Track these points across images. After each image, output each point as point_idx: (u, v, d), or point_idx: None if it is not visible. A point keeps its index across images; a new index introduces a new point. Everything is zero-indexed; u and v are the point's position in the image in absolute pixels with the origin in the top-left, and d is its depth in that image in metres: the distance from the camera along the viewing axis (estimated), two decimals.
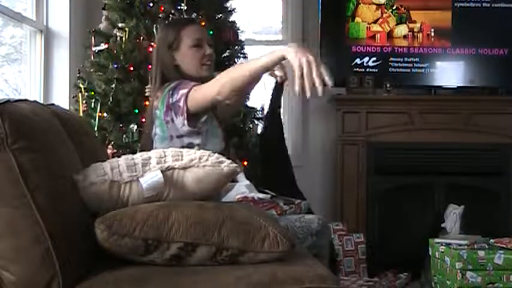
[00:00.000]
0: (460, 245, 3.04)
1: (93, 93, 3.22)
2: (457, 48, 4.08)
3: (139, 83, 3.10)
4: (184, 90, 2.03)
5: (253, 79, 1.95)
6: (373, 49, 4.06)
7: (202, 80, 2.16)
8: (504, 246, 2.99)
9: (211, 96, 1.96)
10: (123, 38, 3.19)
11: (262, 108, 3.52)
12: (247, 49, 3.53)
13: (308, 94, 1.75)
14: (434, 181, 3.99)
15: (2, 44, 3.72)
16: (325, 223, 2.26)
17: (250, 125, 3.42)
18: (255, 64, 1.87)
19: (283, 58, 1.82)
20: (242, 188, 2.91)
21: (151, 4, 3.21)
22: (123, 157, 1.65)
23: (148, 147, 2.15)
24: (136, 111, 3.08)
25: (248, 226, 1.48)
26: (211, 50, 2.21)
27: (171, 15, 3.17)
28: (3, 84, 3.72)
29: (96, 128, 3.10)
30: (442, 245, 3.10)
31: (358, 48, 4.06)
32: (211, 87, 1.97)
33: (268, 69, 1.92)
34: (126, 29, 3.19)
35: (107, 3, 3.36)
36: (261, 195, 2.86)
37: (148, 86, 2.94)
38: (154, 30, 3.12)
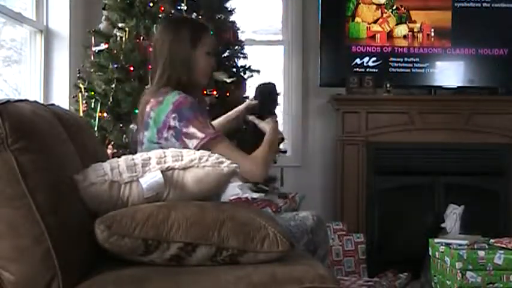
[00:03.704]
0: (460, 245, 3.04)
1: (93, 93, 3.22)
2: (457, 48, 4.08)
3: (139, 83, 3.10)
4: (199, 134, 1.98)
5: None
6: (373, 49, 4.06)
7: (198, 87, 2.20)
8: (504, 246, 2.98)
9: (256, 172, 2.04)
10: (123, 38, 3.19)
11: None
12: (247, 49, 3.54)
13: None
14: (434, 181, 3.98)
15: (3, 46, 3.72)
16: (321, 219, 2.24)
17: None
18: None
19: None
20: (235, 189, 2.90)
21: (151, 4, 3.21)
22: (123, 157, 1.65)
23: (133, 150, 2.15)
24: (136, 111, 3.07)
25: (248, 226, 1.49)
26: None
27: (171, 15, 3.17)
28: (3, 84, 3.72)
29: (96, 128, 3.10)
30: (442, 245, 3.10)
31: (358, 48, 4.06)
32: (256, 166, 2.04)
33: None
34: (126, 29, 3.19)
35: (107, 3, 3.36)
36: (254, 195, 2.85)
37: (148, 86, 2.93)
38: (154, 30, 3.12)
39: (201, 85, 2.22)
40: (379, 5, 4.07)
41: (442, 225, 3.61)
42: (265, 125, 2.30)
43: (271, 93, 2.47)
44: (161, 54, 2.15)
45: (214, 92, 3.16)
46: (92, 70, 3.31)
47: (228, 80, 3.22)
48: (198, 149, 1.95)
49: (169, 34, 2.16)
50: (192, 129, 1.98)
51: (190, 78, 2.12)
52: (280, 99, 4.47)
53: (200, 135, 1.97)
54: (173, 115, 2.00)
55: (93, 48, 3.33)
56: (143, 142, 2.08)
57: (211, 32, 2.31)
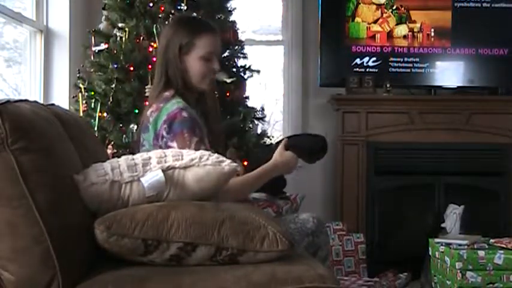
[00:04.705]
0: (460, 245, 3.04)
1: (93, 93, 3.22)
2: (457, 48, 4.08)
3: (139, 83, 3.10)
4: (175, 146, 1.96)
5: None
6: (373, 49, 4.06)
7: (196, 91, 2.14)
8: (504, 246, 2.98)
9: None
10: (123, 38, 3.19)
11: (262, 108, 3.52)
12: (247, 49, 3.54)
13: None
14: (434, 181, 3.98)
15: (6, 48, 3.73)
16: (321, 221, 2.23)
17: (250, 125, 3.42)
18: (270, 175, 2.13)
19: None
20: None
21: (151, 4, 3.21)
22: (123, 157, 1.65)
23: (135, 150, 2.14)
24: (136, 111, 3.08)
25: (247, 226, 1.48)
26: (218, 65, 2.14)
27: (171, 15, 3.17)
28: (3, 84, 3.72)
29: (96, 128, 3.10)
30: (442, 245, 3.10)
31: (358, 48, 4.06)
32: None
33: None
34: (126, 29, 3.19)
35: (107, 3, 3.36)
36: (256, 195, 2.85)
37: (148, 86, 2.92)
38: (154, 30, 3.12)
39: (199, 89, 2.16)
40: (379, 5, 4.07)
41: (442, 225, 3.61)
42: (280, 154, 2.16)
43: (316, 147, 2.33)
44: (159, 55, 2.16)
45: (215, 92, 3.16)
46: (92, 70, 3.31)
47: (228, 80, 3.22)
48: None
49: (167, 35, 2.15)
50: (174, 144, 1.98)
51: (185, 82, 2.11)
52: (280, 99, 4.48)
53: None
54: (164, 125, 2.02)
55: (93, 48, 3.33)
56: (143, 144, 2.10)
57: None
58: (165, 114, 2.02)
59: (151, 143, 2.06)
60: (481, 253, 2.91)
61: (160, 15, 3.18)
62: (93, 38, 3.37)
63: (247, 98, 3.45)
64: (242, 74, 3.45)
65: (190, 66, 2.11)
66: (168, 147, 1.99)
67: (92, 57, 3.34)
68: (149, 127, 2.07)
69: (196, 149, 1.93)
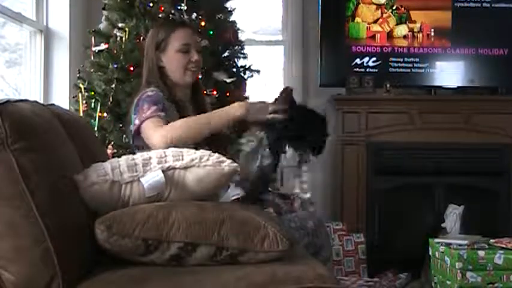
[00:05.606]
0: (460, 245, 3.04)
1: (93, 93, 3.21)
2: (457, 48, 4.08)
3: (139, 83, 3.10)
4: (137, 121, 2.06)
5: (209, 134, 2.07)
6: (373, 49, 4.06)
7: (180, 87, 2.21)
8: (504, 246, 2.99)
9: (159, 144, 1.93)
10: (123, 38, 3.19)
11: None
12: (247, 49, 3.53)
13: None
14: (435, 181, 3.98)
15: (6, 49, 3.72)
16: (321, 221, 2.23)
17: None
18: (216, 124, 2.04)
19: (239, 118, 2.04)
20: (238, 188, 2.88)
21: (151, 4, 3.21)
22: (124, 157, 1.65)
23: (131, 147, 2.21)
24: None
25: (248, 226, 1.49)
26: (198, 56, 2.21)
27: (171, 15, 3.16)
28: (4, 84, 3.72)
29: (96, 128, 3.10)
30: (442, 245, 3.11)
31: (358, 48, 4.06)
32: (162, 135, 1.95)
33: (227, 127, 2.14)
34: (126, 29, 3.19)
35: (107, 3, 3.36)
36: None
37: None
38: None
39: (182, 84, 2.22)
40: (379, 5, 4.07)
41: (442, 225, 3.61)
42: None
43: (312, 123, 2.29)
44: (144, 59, 2.28)
45: (214, 92, 3.16)
46: (92, 70, 3.31)
47: (228, 80, 3.22)
48: (133, 136, 2.08)
49: (146, 41, 2.28)
50: (137, 121, 2.07)
51: (166, 80, 2.18)
52: None
53: (137, 122, 2.06)
54: (133, 108, 2.11)
55: (93, 48, 3.33)
56: (130, 140, 2.19)
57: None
58: (135, 102, 2.12)
59: (131, 131, 2.13)
60: (481, 253, 2.91)
61: (160, 15, 3.18)
62: (93, 38, 3.37)
63: (247, 98, 3.44)
64: (242, 74, 3.45)
65: (169, 61, 2.19)
66: (135, 125, 2.07)
67: (92, 57, 3.33)
68: (131, 119, 2.15)
69: (153, 116, 2.01)
